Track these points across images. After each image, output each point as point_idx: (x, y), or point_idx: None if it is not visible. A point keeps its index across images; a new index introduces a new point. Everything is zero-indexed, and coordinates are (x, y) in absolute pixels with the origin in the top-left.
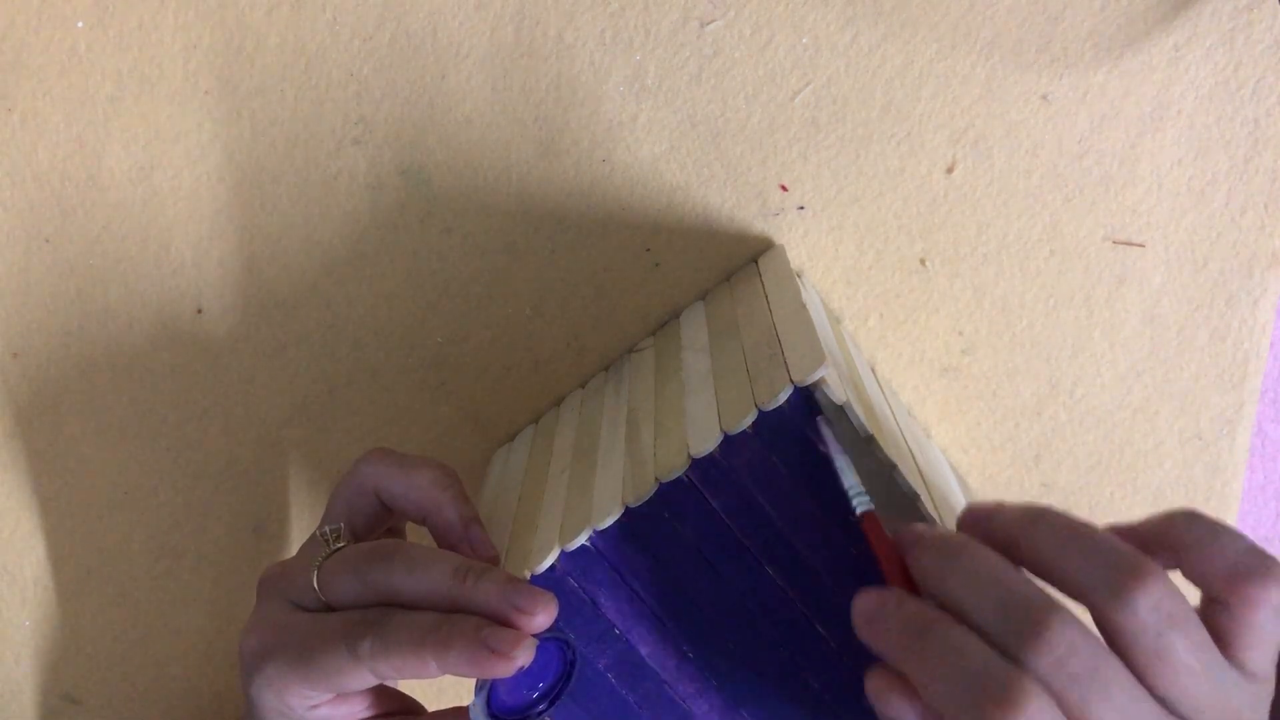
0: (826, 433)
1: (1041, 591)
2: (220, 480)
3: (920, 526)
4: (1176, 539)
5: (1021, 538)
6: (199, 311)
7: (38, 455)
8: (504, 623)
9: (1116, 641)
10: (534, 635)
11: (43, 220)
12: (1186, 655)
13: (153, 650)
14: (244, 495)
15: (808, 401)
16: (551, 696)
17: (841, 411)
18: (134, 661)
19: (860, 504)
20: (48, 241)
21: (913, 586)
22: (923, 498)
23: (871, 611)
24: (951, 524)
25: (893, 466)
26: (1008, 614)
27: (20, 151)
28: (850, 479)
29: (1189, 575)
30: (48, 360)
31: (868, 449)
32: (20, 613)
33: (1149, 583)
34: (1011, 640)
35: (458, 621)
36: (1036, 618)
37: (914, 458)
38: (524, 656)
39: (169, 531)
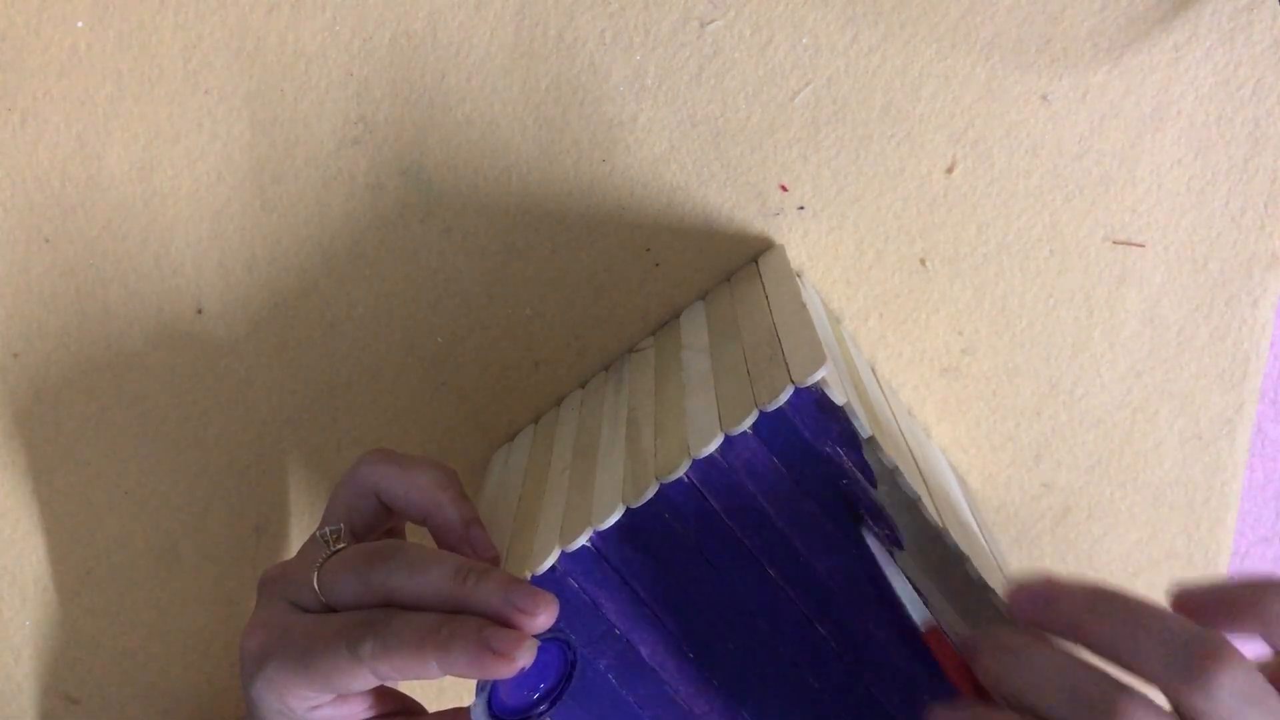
0: (874, 544)
1: (1110, 677)
2: (220, 480)
3: (980, 633)
4: (1265, 611)
5: (1085, 621)
6: (199, 311)
7: (38, 455)
8: (505, 623)
9: None
10: (535, 636)
11: (43, 220)
12: None
13: (153, 650)
14: (244, 495)
15: (850, 509)
16: (552, 697)
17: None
18: (134, 661)
19: (922, 619)
20: (48, 241)
21: (982, 693)
22: (923, 498)
23: None
24: (953, 524)
25: (894, 468)
26: (1079, 704)
27: (20, 151)
28: (906, 592)
29: (1274, 646)
30: (48, 360)
31: (871, 450)
32: (20, 613)
33: (1227, 665)
34: None
35: (459, 622)
36: (1108, 705)
37: (914, 458)
38: (525, 657)
39: (169, 531)
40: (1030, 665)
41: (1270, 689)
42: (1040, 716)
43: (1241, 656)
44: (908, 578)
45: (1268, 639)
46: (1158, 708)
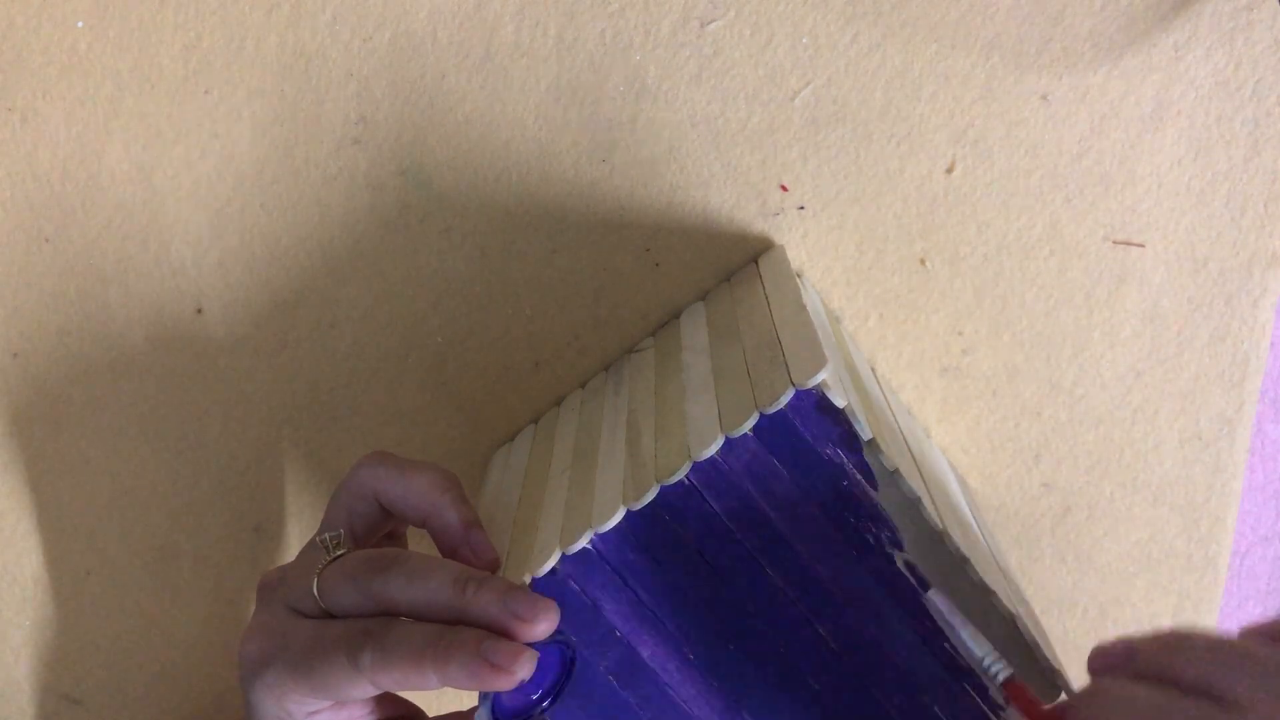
0: (941, 604)
1: (1193, 701)
2: (220, 480)
3: (1065, 699)
4: None
5: (1170, 666)
6: (199, 311)
7: (38, 455)
8: (505, 632)
9: None
10: (534, 641)
11: (43, 220)
12: None
13: (153, 650)
14: (244, 495)
15: (914, 573)
16: (552, 696)
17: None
18: (134, 661)
19: (1001, 673)
20: (48, 241)
21: None
22: (924, 500)
23: None
24: (954, 525)
25: (894, 469)
26: None
27: (20, 151)
28: (983, 648)
29: None
30: (48, 360)
31: (872, 451)
32: (20, 613)
33: None
34: None
35: (458, 635)
36: None
37: (914, 458)
38: (524, 671)
39: (169, 531)
40: (1118, 698)
41: None
42: None
43: None
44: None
45: None
46: None
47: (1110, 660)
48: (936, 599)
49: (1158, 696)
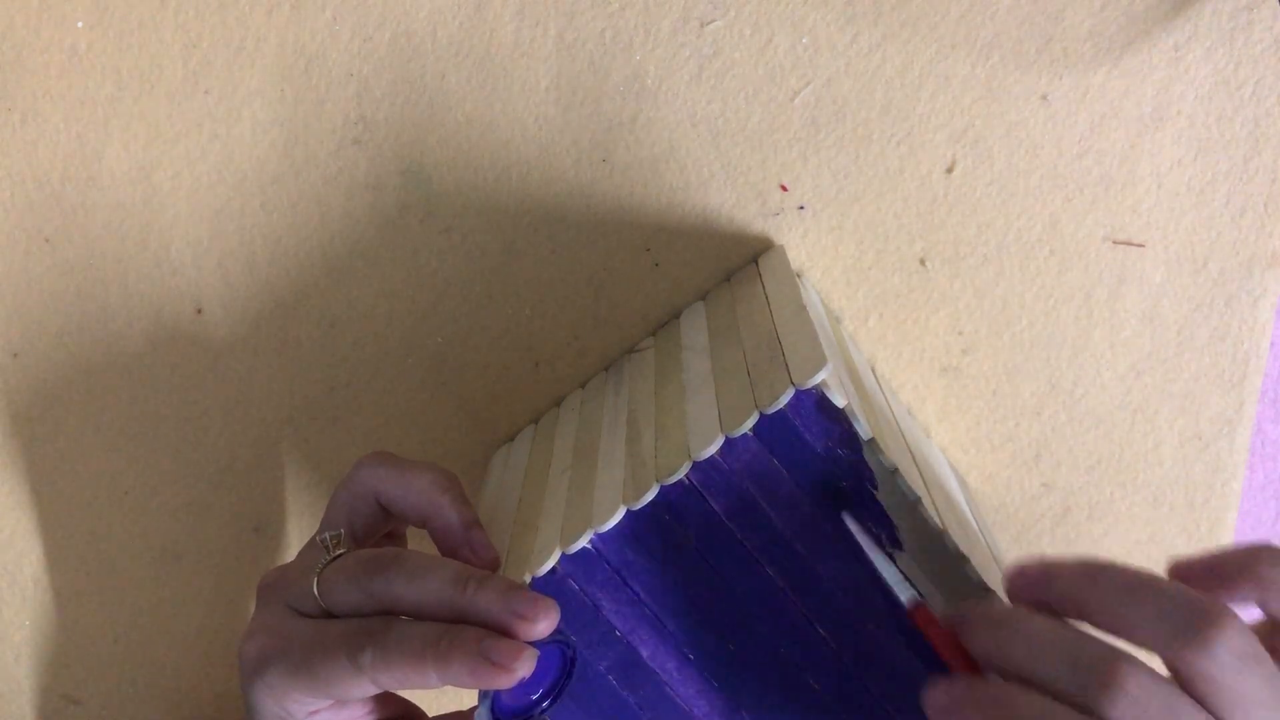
0: (854, 528)
1: (1105, 643)
2: (220, 480)
3: (968, 606)
4: (1260, 576)
5: (1083, 594)
6: (199, 311)
7: (38, 455)
8: (505, 630)
9: (1193, 686)
10: (534, 640)
11: (43, 220)
12: (1263, 692)
13: (153, 650)
14: (244, 495)
15: (834, 497)
16: (552, 696)
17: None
18: (134, 661)
19: (907, 598)
20: (48, 241)
21: (975, 668)
22: (924, 499)
23: (945, 703)
24: (953, 525)
25: (894, 469)
26: (1077, 670)
27: (20, 151)
28: (891, 573)
29: (1268, 611)
30: (48, 360)
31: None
32: (20, 613)
33: (1225, 627)
34: (1087, 695)
35: (458, 633)
36: (1106, 669)
37: (914, 458)
38: (524, 669)
39: (169, 531)
40: (1025, 636)
41: (1264, 652)
42: (1039, 686)
43: (1238, 619)
44: (892, 559)
45: (1263, 604)
46: (1155, 673)
47: (1028, 582)
48: (849, 522)
49: (1063, 638)
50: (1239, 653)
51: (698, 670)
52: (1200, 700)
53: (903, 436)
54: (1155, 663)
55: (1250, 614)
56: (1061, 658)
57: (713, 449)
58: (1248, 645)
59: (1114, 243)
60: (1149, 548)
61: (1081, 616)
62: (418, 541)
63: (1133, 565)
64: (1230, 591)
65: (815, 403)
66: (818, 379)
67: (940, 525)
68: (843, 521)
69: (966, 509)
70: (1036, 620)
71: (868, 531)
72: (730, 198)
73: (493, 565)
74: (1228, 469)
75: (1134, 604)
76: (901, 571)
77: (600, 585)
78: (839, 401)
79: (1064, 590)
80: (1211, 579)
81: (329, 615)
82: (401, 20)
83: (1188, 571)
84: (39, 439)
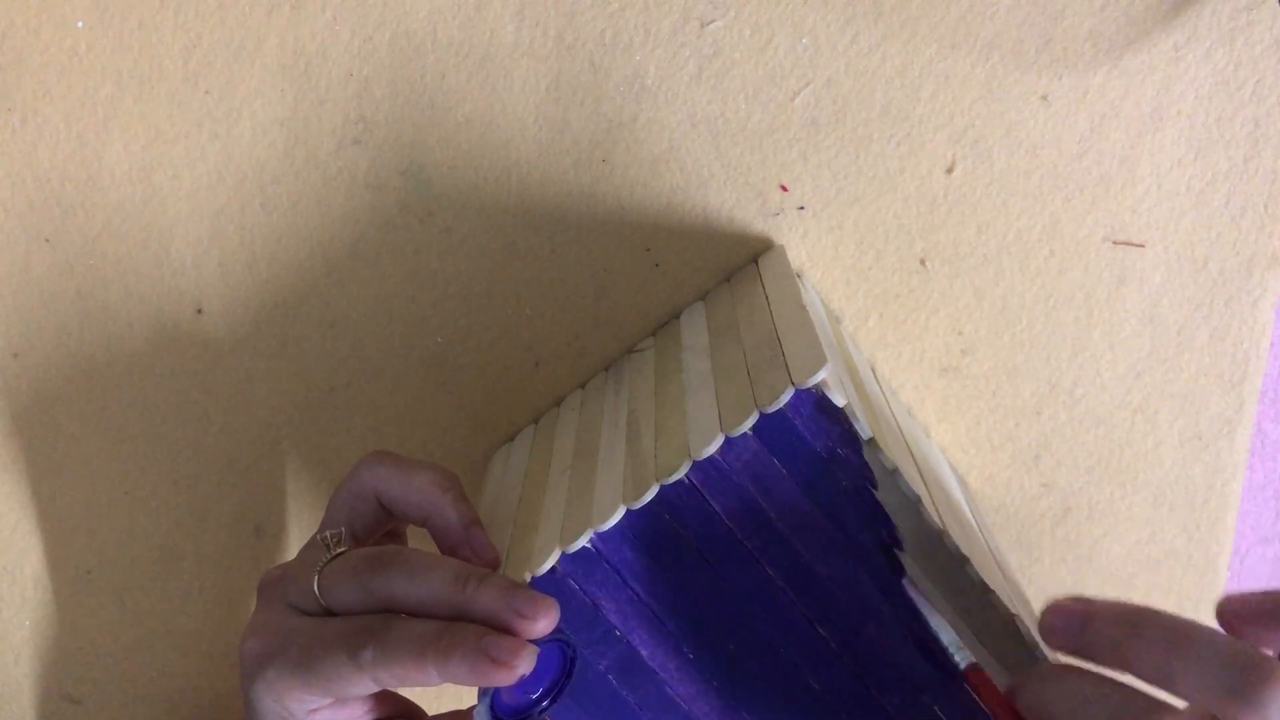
0: (914, 594)
1: (1148, 696)
2: (220, 480)
3: (1020, 676)
4: None
5: (1126, 643)
6: (199, 311)
7: (38, 455)
8: (506, 628)
9: None
10: (534, 639)
11: (43, 220)
12: None
13: (153, 650)
14: (244, 495)
15: (891, 564)
16: (552, 696)
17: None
18: (134, 661)
19: (963, 659)
20: (48, 241)
21: None
22: (924, 499)
23: None
24: (953, 525)
25: (894, 469)
26: None
27: (20, 151)
28: (949, 636)
29: None
30: (48, 360)
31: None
32: (20, 613)
33: (1276, 684)
34: None
35: (458, 630)
36: None
37: (914, 458)
38: (525, 665)
39: (169, 531)
40: (1068, 691)
41: None
42: None
43: None
44: (947, 621)
45: None
46: None
47: (1065, 624)
48: (910, 588)
49: (1104, 693)
50: None
51: (698, 670)
52: None
53: (903, 436)
54: None
55: None
56: (1107, 713)
57: (713, 448)
58: None
59: (1114, 243)
60: (1149, 548)
61: (1122, 667)
62: (418, 540)
63: (1172, 613)
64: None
65: (815, 402)
66: (818, 379)
67: (940, 525)
68: (895, 578)
69: (966, 509)
70: (1080, 677)
71: (925, 594)
72: (730, 198)
73: (493, 564)
74: (1228, 469)
75: (1180, 656)
76: (957, 634)
77: (600, 585)
78: (839, 401)
79: (1104, 637)
80: (1264, 620)
81: (329, 613)
82: (401, 20)
83: (1239, 610)
84: (39, 439)
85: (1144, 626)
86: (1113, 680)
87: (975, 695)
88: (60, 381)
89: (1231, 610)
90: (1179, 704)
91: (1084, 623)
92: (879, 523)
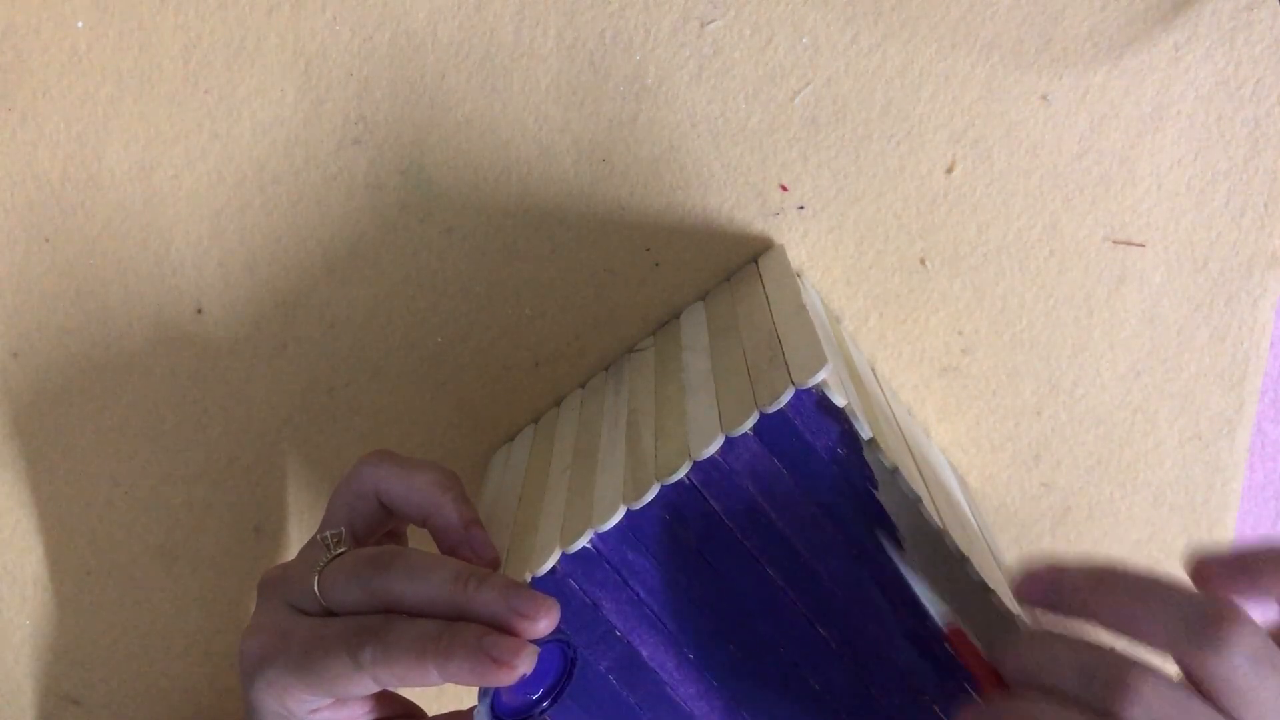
0: (893, 552)
1: (1117, 653)
2: (220, 480)
3: (1001, 640)
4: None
5: (1092, 599)
6: (199, 311)
7: (38, 455)
8: (506, 628)
9: (1206, 686)
10: (534, 640)
11: (43, 220)
12: (1277, 693)
13: (153, 650)
14: (244, 495)
15: (863, 518)
16: (552, 696)
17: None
18: (134, 661)
19: (943, 619)
20: (48, 241)
21: (1005, 686)
22: (924, 499)
23: None
24: (954, 524)
25: (894, 469)
26: (1093, 680)
27: (20, 151)
28: (928, 595)
29: None
30: (48, 360)
31: (872, 452)
32: (20, 613)
33: (1239, 628)
34: (1104, 702)
35: (459, 630)
36: (1118, 674)
37: (914, 458)
38: (525, 665)
39: (169, 531)
40: (1043, 650)
41: (1278, 652)
42: (1060, 697)
43: (1251, 620)
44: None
45: None
46: (1167, 677)
47: (1036, 585)
48: (885, 543)
49: (1073, 645)
50: (1252, 654)
51: (698, 670)
52: (1213, 701)
53: (903, 436)
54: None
55: (1263, 616)
56: (1078, 669)
57: (713, 448)
58: (1261, 646)
59: (1114, 243)
60: (1149, 548)
61: (1092, 619)
62: (418, 540)
63: (1141, 566)
64: (1249, 591)
65: (815, 402)
66: (818, 378)
67: (940, 525)
68: (874, 537)
69: (966, 509)
70: (1056, 637)
71: (899, 549)
72: (730, 198)
73: (493, 564)
74: (1228, 469)
75: (1144, 606)
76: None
77: (600, 585)
78: (839, 401)
79: (1073, 592)
80: (1235, 575)
81: (329, 613)
82: (401, 20)
83: (1210, 567)
84: (39, 439)
85: (1110, 580)
86: (1087, 641)
87: (956, 654)
88: (60, 381)
89: (1202, 565)
90: (1153, 661)
91: (1054, 580)
92: (879, 522)
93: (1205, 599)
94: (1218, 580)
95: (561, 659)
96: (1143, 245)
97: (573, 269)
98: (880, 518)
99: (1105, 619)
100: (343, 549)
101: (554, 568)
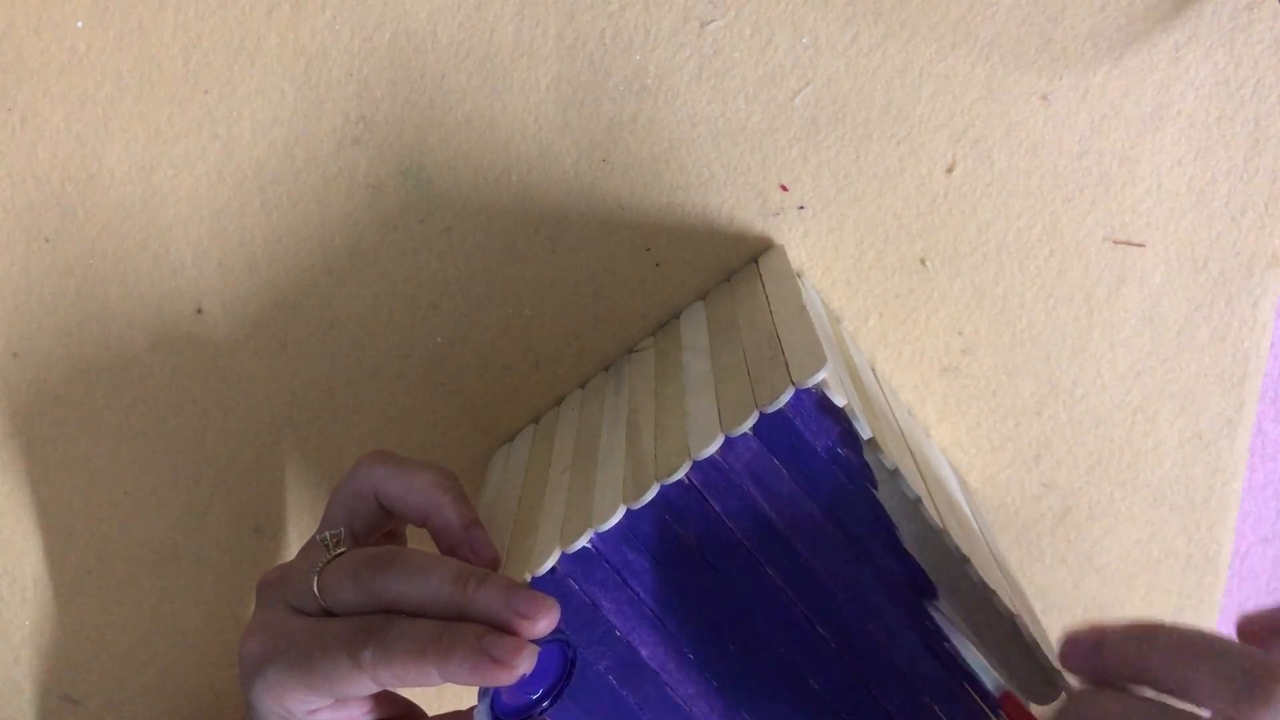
0: (944, 624)
1: (1179, 709)
2: (220, 480)
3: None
4: None
5: (1139, 658)
6: (199, 311)
7: (38, 455)
8: (506, 628)
9: None
10: (534, 640)
11: (43, 220)
12: None
13: (153, 650)
14: (244, 495)
15: (917, 589)
16: (552, 696)
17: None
18: (134, 661)
19: (996, 686)
20: (48, 241)
21: None
22: (924, 499)
23: None
24: (954, 524)
25: (894, 469)
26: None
27: (20, 151)
28: (979, 664)
29: None
30: (48, 360)
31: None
32: (20, 613)
33: None
34: None
35: (459, 630)
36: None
37: (914, 458)
38: (525, 665)
39: (169, 531)
40: (1105, 710)
41: None
42: None
43: None
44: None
45: None
46: None
47: (1080, 651)
48: (937, 614)
49: (1138, 707)
50: None
51: (698, 670)
52: None
53: (903, 436)
54: None
55: None
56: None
57: (713, 448)
58: None
59: (1114, 243)
60: (1149, 548)
61: (1140, 680)
62: (418, 541)
63: (1185, 624)
64: None
65: (815, 402)
66: (818, 378)
67: (940, 525)
68: (923, 608)
69: (967, 509)
70: (1114, 695)
71: (951, 621)
72: (730, 198)
73: (493, 564)
74: (1228, 469)
75: (1193, 664)
76: (985, 660)
77: (600, 585)
78: (839, 401)
79: (1119, 655)
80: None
81: (329, 614)
82: (401, 20)
83: (1254, 626)
84: (39, 439)
85: (1156, 640)
86: (1143, 696)
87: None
88: (60, 381)
89: (1246, 625)
90: (1203, 714)
91: (1097, 645)
92: (879, 522)
93: (1253, 655)
94: (1266, 637)
95: (561, 659)
96: (1143, 245)
97: (573, 269)
98: (880, 518)
99: (1152, 678)
100: (342, 549)
101: (554, 568)
